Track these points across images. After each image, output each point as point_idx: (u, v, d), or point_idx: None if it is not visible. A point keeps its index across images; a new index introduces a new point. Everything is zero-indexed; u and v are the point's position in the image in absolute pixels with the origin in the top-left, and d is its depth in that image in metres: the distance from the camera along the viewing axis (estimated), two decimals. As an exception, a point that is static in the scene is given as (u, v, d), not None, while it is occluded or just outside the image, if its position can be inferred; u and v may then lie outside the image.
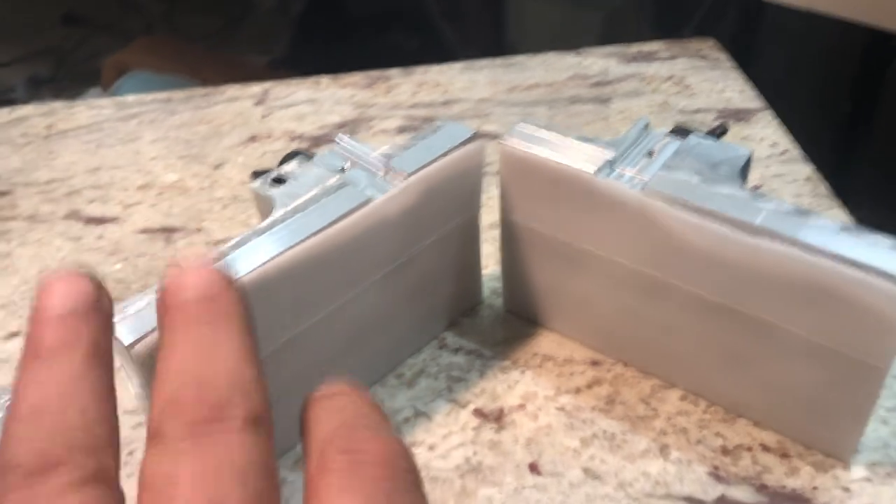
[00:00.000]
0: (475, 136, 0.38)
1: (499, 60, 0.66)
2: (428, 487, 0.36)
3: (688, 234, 0.34)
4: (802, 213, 0.33)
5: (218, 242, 0.50)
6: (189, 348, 0.21)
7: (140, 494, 0.18)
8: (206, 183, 0.55)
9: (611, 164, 0.36)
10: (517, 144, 0.38)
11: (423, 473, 0.37)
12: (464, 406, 0.40)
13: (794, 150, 0.55)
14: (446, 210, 0.39)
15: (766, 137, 0.56)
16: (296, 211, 0.35)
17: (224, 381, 0.20)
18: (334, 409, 0.22)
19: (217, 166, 0.56)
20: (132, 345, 0.29)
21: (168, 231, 0.51)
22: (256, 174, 0.39)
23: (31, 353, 0.21)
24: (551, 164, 0.37)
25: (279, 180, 0.37)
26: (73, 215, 0.53)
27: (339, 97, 0.62)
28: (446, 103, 0.61)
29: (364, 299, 0.37)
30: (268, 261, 0.32)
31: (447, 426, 0.39)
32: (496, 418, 0.39)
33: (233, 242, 0.33)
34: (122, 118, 0.62)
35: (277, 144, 0.58)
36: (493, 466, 0.37)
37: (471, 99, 0.61)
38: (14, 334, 0.45)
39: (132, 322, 0.30)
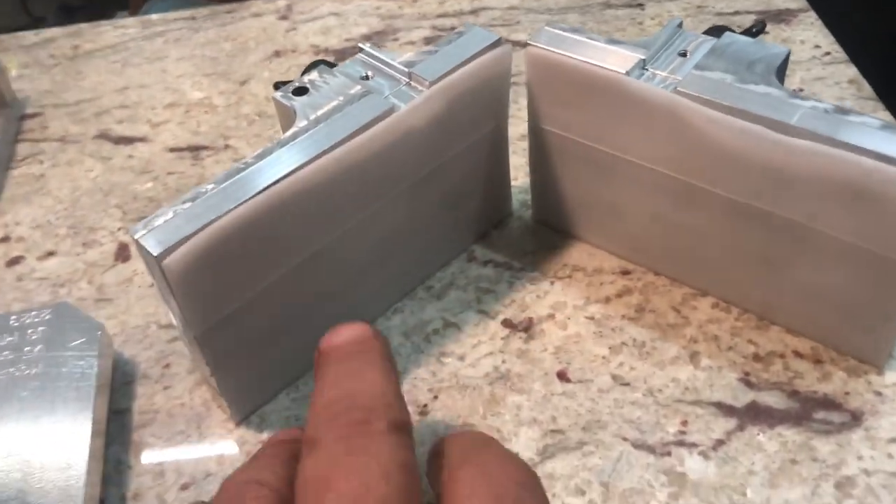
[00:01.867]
0: (500, 42, 0.37)
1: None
2: (457, 395, 0.36)
3: (721, 134, 0.33)
4: (841, 111, 0.31)
5: (243, 159, 0.50)
6: (341, 374, 0.24)
7: (298, 493, 0.21)
8: (232, 100, 0.54)
9: (642, 65, 0.35)
10: (545, 47, 0.36)
11: (453, 382, 0.37)
12: (493, 317, 0.40)
13: (838, 53, 0.53)
14: (473, 118, 0.38)
15: (808, 40, 0.54)
16: (318, 121, 0.34)
17: (370, 394, 0.23)
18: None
19: (243, 82, 0.56)
20: (161, 256, 0.29)
21: (196, 149, 0.51)
22: (278, 85, 0.38)
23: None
24: (580, 66, 0.35)
25: (301, 90, 0.36)
26: (103, 135, 0.53)
27: (365, 8, 0.61)
28: (474, 11, 0.59)
29: (391, 211, 0.37)
30: (291, 172, 0.32)
31: (476, 336, 0.39)
32: (525, 328, 0.39)
33: (256, 153, 0.33)
34: (148, 37, 0.61)
35: (303, 59, 0.57)
36: (522, 374, 0.37)
37: (499, 7, 0.59)
38: (51, 253, 0.46)
39: (160, 233, 0.30)
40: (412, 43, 0.57)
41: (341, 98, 0.35)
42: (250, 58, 0.58)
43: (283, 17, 0.61)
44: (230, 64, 0.58)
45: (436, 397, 0.37)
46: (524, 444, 0.34)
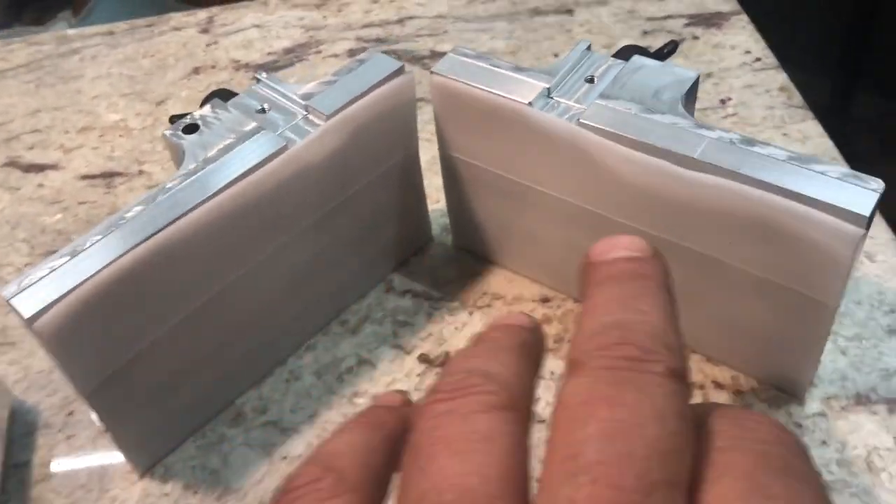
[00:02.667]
0: (402, 70, 0.36)
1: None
2: (369, 439, 0.35)
3: (625, 168, 0.31)
4: (747, 142, 0.30)
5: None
6: (615, 299, 0.20)
7: (556, 414, 0.18)
8: (148, 122, 0.52)
9: (547, 94, 0.34)
10: (448, 76, 0.35)
11: (364, 425, 0.36)
12: (409, 352, 0.38)
13: (769, 58, 0.52)
14: (378, 149, 0.37)
15: (739, 45, 0.53)
16: (208, 161, 0.32)
17: (648, 331, 0.19)
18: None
19: (159, 103, 0.54)
20: (32, 318, 0.28)
21: (109, 175, 0.49)
22: (174, 119, 0.37)
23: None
24: (483, 96, 0.34)
25: (191, 128, 0.34)
26: (12, 163, 0.51)
27: (289, 20, 0.59)
28: (400, 21, 0.57)
29: (297, 247, 0.36)
30: (175, 219, 0.30)
31: (391, 374, 0.38)
32: (442, 363, 0.38)
33: (137, 201, 0.31)
34: (64, 54, 0.59)
35: (223, 75, 0.55)
36: (437, 414, 0.36)
37: (426, 16, 0.57)
38: (-48, 293, 0.44)
39: (33, 293, 0.28)
40: (336, 56, 0.55)
41: (233, 136, 0.34)
42: (169, 75, 0.56)
43: (204, 31, 0.59)
44: (147, 83, 0.55)
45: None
46: (436, 491, 0.33)
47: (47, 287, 0.29)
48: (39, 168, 0.50)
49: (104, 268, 0.29)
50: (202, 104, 0.37)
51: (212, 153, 0.33)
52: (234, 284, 0.34)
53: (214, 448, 0.36)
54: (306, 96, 0.35)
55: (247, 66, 0.56)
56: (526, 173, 0.35)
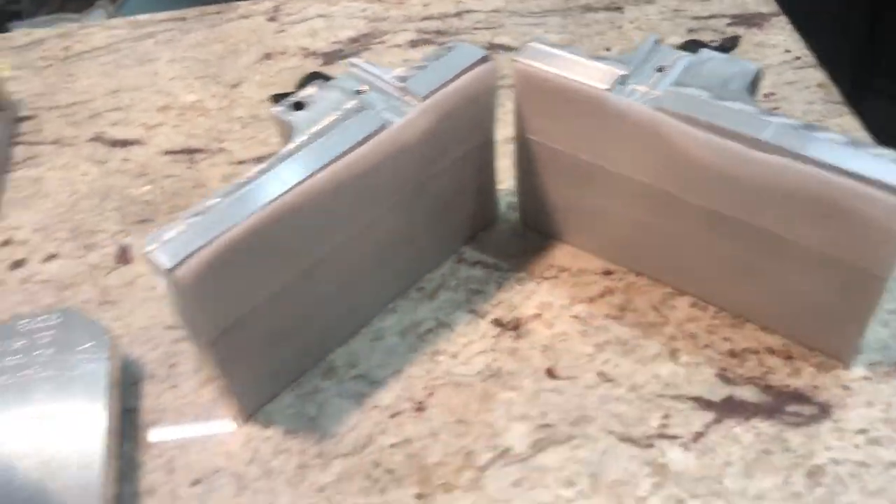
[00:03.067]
0: (487, 58, 0.39)
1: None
2: (452, 392, 0.39)
3: (697, 149, 0.35)
4: (809, 127, 0.34)
5: (240, 163, 0.51)
6: None
7: None
8: (224, 103, 0.56)
9: (623, 81, 0.37)
10: (531, 63, 0.38)
11: (447, 379, 0.39)
12: (483, 316, 0.42)
13: (808, 57, 0.55)
14: (462, 132, 0.40)
15: (780, 44, 0.56)
16: (316, 136, 0.36)
17: None
18: None
19: (234, 86, 0.57)
20: (172, 269, 0.31)
21: (191, 152, 0.52)
22: (277, 97, 0.40)
23: None
24: (564, 82, 0.37)
25: (298, 105, 0.38)
26: (98, 138, 0.54)
27: (352, 10, 0.62)
28: (458, 14, 0.61)
29: (385, 220, 0.39)
30: (292, 187, 0.34)
31: (467, 335, 0.41)
32: (514, 327, 0.41)
33: (258, 169, 0.35)
34: (137, 38, 0.62)
35: (293, 61, 0.58)
36: (513, 371, 0.39)
37: (483, 10, 0.61)
38: (53, 256, 0.47)
39: (170, 247, 0.32)
40: (398, 46, 0.58)
41: (337, 113, 0.37)
42: (241, 60, 0.59)
43: (272, 19, 0.63)
44: (221, 66, 0.59)
45: (431, 394, 0.39)
46: (517, 439, 0.37)
47: (182, 242, 0.32)
48: (123, 143, 0.54)
49: (232, 226, 0.32)
50: (300, 85, 0.40)
51: (319, 128, 0.36)
52: (332, 251, 0.37)
53: (310, 398, 0.39)
54: (400, 79, 0.38)
55: (314, 53, 0.59)
56: (600, 154, 0.39)
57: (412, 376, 0.40)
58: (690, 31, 0.57)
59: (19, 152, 0.54)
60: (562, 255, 0.44)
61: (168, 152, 0.53)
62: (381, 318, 0.42)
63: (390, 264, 0.41)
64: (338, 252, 0.37)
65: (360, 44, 0.59)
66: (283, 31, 0.61)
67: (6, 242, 0.48)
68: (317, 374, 0.40)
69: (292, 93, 0.40)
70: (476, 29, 0.59)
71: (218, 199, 0.33)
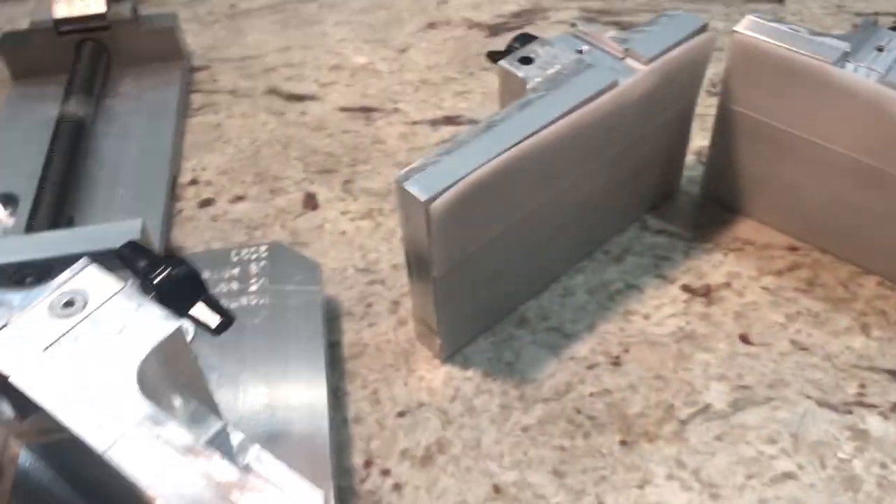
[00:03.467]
0: (706, 27, 0.40)
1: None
2: (647, 350, 0.40)
3: (926, 125, 0.36)
4: None
5: (415, 123, 0.53)
6: None
7: None
8: (394, 66, 0.57)
9: (845, 56, 0.38)
10: (752, 34, 0.39)
11: (641, 338, 0.40)
12: (672, 282, 0.43)
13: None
14: (672, 98, 0.41)
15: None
16: (549, 88, 0.37)
17: None
18: None
19: (402, 51, 0.59)
20: (427, 201, 0.33)
21: (367, 110, 0.54)
22: (493, 55, 0.41)
23: None
24: (787, 55, 0.38)
25: (526, 60, 0.39)
26: (273, 91, 0.56)
27: (512, -13, 0.64)
28: (616, -3, 0.62)
29: (593, 176, 0.40)
30: (532, 134, 0.35)
31: (658, 298, 0.42)
32: (704, 294, 0.42)
33: (497, 115, 0.36)
34: (302, 0, 0.64)
35: (457, 31, 0.60)
36: (706, 335, 0.40)
37: (641, -5, 0.62)
38: (240, 197, 0.49)
39: (422, 181, 0.33)
40: (561, 22, 0.60)
41: (565, 69, 0.38)
42: (405, 28, 0.61)
43: (434, -9, 0.64)
44: (387, 32, 0.60)
45: (626, 350, 0.40)
46: (715, 397, 0.38)
47: (434, 176, 0.33)
48: (299, 98, 0.55)
49: (482, 165, 0.34)
50: (516, 42, 0.41)
51: (550, 81, 0.38)
52: (547, 200, 0.38)
53: (506, 344, 0.40)
54: (621, 41, 0.40)
55: (479, 25, 0.60)
56: (813, 128, 0.39)
57: (605, 332, 0.41)
58: (855, 26, 0.58)
59: (196, 99, 0.56)
60: (745, 228, 0.45)
61: (344, 109, 0.54)
62: (569, 277, 0.43)
63: (586, 222, 0.42)
64: (550, 203, 0.39)
65: (523, 18, 0.61)
66: (445, 2, 0.63)
67: (193, 181, 0.50)
68: (510, 324, 0.41)
69: (508, 50, 0.41)
70: (638, 11, 0.60)
71: (464, 140, 0.35)
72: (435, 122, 0.53)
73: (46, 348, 0.27)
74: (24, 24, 0.56)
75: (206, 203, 0.49)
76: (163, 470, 0.23)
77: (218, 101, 0.56)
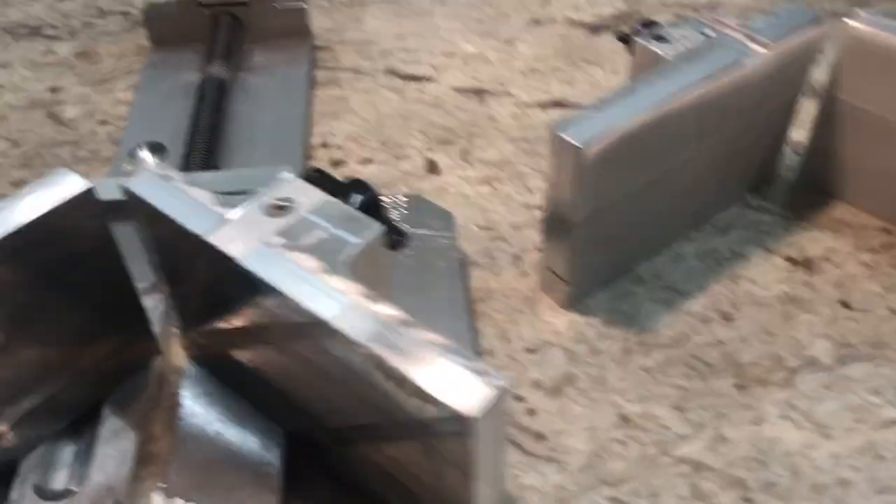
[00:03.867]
0: (819, 20, 0.44)
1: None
2: (755, 309, 0.43)
3: None
4: None
5: (526, 105, 0.57)
6: None
7: None
8: (503, 55, 0.62)
9: (952, 50, 0.42)
10: (865, 26, 0.43)
11: (748, 299, 0.43)
12: (775, 253, 0.46)
13: None
14: (786, 82, 0.45)
15: None
16: (683, 61, 0.41)
17: None
18: None
19: (509, 42, 0.63)
20: (581, 147, 0.36)
21: (479, 93, 0.58)
22: (623, 37, 0.45)
23: None
24: (899, 46, 0.42)
25: (660, 38, 0.43)
26: (391, 71, 0.60)
27: (609, -7, 0.68)
28: (711, 5, 0.66)
29: (711, 150, 0.44)
30: (671, 96, 0.39)
31: (763, 266, 0.45)
32: (805, 265, 0.45)
33: (638, 82, 0.40)
34: (412, -6, 0.69)
35: (561, 28, 0.64)
36: (809, 300, 0.44)
37: (735, 4, 0.66)
38: (368, 160, 0.53)
39: (576, 132, 0.37)
40: (658, 26, 0.64)
41: (696, 48, 0.42)
42: (511, 23, 0.65)
43: (536, -8, 0.69)
44: (494, 26, 0.65)
45: (736, 308, 0.43)
46: (821, 352, 0.41)
47: (586, 128, 0.37)
48: (416, 78, 0.60)
49: (629, 119, 0.38)
50: (643, 27, 0.46)
51: (683, 56, 0.42)
52: (676, 165, 0.42)
53: (623, 299, 0.44)
54: (744, 27, 0.43)
55: (580, 23, 0.65)
56: (918, 114, 0.43)
57: (716, 292, 0.44)
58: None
59: (320, 75, 0.60)
60: (841, 211, 0.48)
61: (458, 90, 0.58)
62: (679, 244, 0.47)
63: (699, 194, 0.46)
64: (675, 170, 0.42)
65: (621, 19, 0.65)
66: (548, 3, 0.67)
67: (324, 145, 0.54)
68: (626, 281, 0.45)
69: (635, 33, 0.45)
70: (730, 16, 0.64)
71: (610, 99, 0.39)
72: (544, 105, 0.57)
73: (264, 241, 0.31)
74: (166, -3, 0.60)
75: (338, 163, 0.53)
76: (385, 335, 0.27)
77: (341, 78, 0.60)
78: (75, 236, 0.33)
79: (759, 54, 0.42)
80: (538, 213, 0.48)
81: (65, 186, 0.33)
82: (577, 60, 0.61)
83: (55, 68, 0.62)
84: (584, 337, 0.42)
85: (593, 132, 0.37)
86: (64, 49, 0.64)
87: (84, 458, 0.37)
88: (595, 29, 0.64)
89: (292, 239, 0.31)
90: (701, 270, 0.45)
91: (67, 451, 0.37)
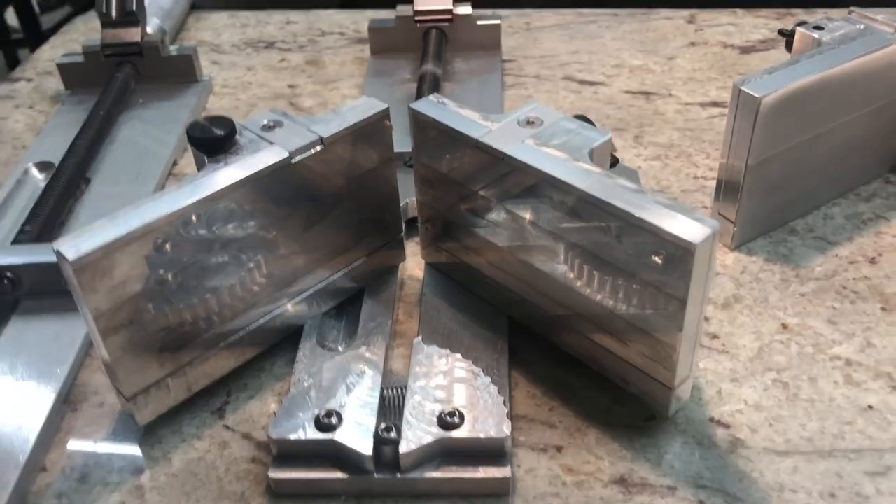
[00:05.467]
0: (956, 19, 0.53)
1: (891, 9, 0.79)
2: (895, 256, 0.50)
3: None
4: None
5: (687, 104, 0.66)
6: None
7: None
8: (665, 67, 0.72)
9: None
10: None
11: (890, 249, 0.51)
12: (914, 216, 0.54)
13: None
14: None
15: None
16: (841, 43, 0.50)
17: None
18: None
19: (670, 58, 0.73)
20: (760, 98, 0.46)
21: (646, 94, 0.68)
22: (783, 32, 0.55)
23: None
24: None
25: (817, 27, 0.52)
26: (569, 78, 0.71)
27: (755, 24, 0.78)
28: (850, 35, 0.75)
29: (858, 122, 0.52)
30: (831, 66, 0.48)
31: (902, 226, 0.53)
32: (943, 225, 0.53)
33: (803, 56, 0.49)
34: (583, 23, 0.80)
35: (714, 49, 0.74)
36: (947, 251, 0.51)
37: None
38: (554, 141, 0.63)
39: (758, 86, 0.46)
40: (802, 48, 0.73)
41: (849, 34, 0.51)
42: (671, 44, 0.76)
43: (690, 22, 0.79)
44: (655, 46, 0.75)
45: (880, 254, 0.51)
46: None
47: (762, 84, 0.46)
48: (591, 83, 0.70)
49: (802, 78, 0.47)
50: (794, 27, 0.55)
51: (837, 41, 0.51)
52: (831, 129, 0.51)
53: (781, 244, 0.52)
54: (891, 21, 0.52)
55: (732, 46, 0.74)
56: None
57: (862, 243, 0.52)
58: None
59: (509, 80, 0.72)
60: (975, 188, 0.56)
61: (627, 92, 0.69)
62: (827, 208, 0.55)
63: (849, 159, 0.54)
64: (830, 132, 0.51)
65: (767, 44, 0.74)
66: (701, 29, 0.78)
67: (516, 129, 0.65)
68: (783, 232, 0.53)
69: (796, 26, 0.54)
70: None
71: (776, 68, 0.48)
72: (704, 104, 0.66)
73: (524, 140, 0.41)
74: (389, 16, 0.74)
75: (527, 143, 0.63)
76: (628, 197, 0.37)
77: (525, 83, 0.71)
78: (369, 153, 0.45)
79: (904, 42, 0.51)
80: (705, 182, 0.57)
81: (367, 108, 0.44)
82: (730, 72, 0.70)
83: (290, 72, 0.76)
84: (747, 269, 0.50)
85: (769, 88, 0.46)
86: (296, 58, 0.78)
87: (350, 329, 0.47)
88: (745, 50, 0.74)
89: (544, 140, 0.41)
90: (848, 227, 0.53)
91: (337, 324, 0.48)
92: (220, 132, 0.42)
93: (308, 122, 0.43)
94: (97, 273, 0.36)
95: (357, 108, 0.44)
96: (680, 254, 0.35)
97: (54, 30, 0.99)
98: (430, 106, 0.44)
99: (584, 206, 0.39)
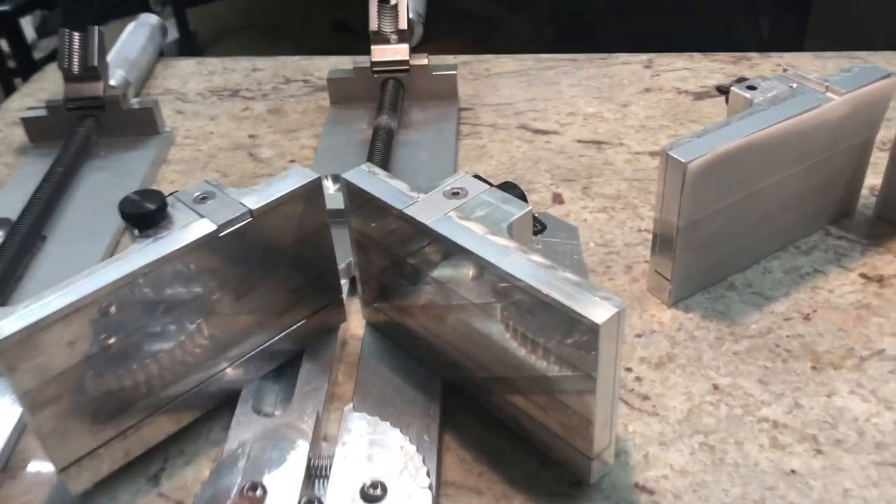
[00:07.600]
0: (890, 74, 0.53)
1: (844, 53, 0.80)
2: (831, 312, 0.51)
3: None
4: None
5: (637, 153, 0.67)
6: None
7: None
8: (618, 115, 0.73)
9: None
10: (926, 81, 0.52)
11: (826, 304, 0.52)
12: (851, 270, 0.54)
13: None
14: (858, 126, 0.54)
15: None
16: (771, 104, 0.51)
17: None
18: None
19: (624, 105, 0.74)
20: (686, 162, 0.46)
21: (597, 143, 0.69)
22: (720, 88, 0.56)
23: None
24: (954, 96, 0.51)
25: (751, 87, 0.53)
26: (523, 127, 0.72)
27: (711, 68, 0.79)
28: (803, 80, 0.76)
29: (792, 180, 0.53)
30: (761, 129, 0.49)
31: (839, 279, 0.54)
32: (878, 280, 0.53)
33: (732, 118, 0.50)
34: (541, 69, 0.81)
35: (668, 95, 0.75)
36: (880, 307, 0.51)
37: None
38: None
39: (682, 151, 0.47)
40: (755, 94, 0.74)
41: (781, 95, 0.52)
42: (626, 91, 0.77)
43: (647, 66, 0.80)
44: (611, 93, 0.76)
45: (815, 311, 0.51)
46: (889, 346, 0.49)
47: (691, 149, 0.47)
48: (544, 132, 0.71)
49: (727, 141, 0.48)
50: (731, 83, 0.56)
51: (771, 101, 0.51)
52: (763, 189, 0.51)
53: (718, 300, 0.53)
54: (822, 80, 0.53)
55: (686, 92, 0.75)
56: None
57: (798, 298, 0.52)
58: None
59: (464, 129, 0.73)
60: (913, 241, 0.56)
61: (579, 141, 0.70)
62: (767, 261, 0.55)
63: (785, 217, 0.55)
64: (764, 191, 0.52)
65: (722, 90, 0.75)
66: (657, 75, 0.79)
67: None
68: (721, 287, 0.54)
69: (730, 86, 0.55)
70: (819, 90, 0.74)
71: (707, 130, 0.49)
72: (653, 154, 0.67)
73: (447, 213, 0.42)
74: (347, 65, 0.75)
75: (478, 195, 0.64)
76: (538, 273, 0.37)
77: (481, 131, 0.72)
78: (302, 220, 0.45)
79: (834, 100, 0.52)
80: (648, 235, 0.58)
81: (297, 178, 0.45)
82: (682, 120, 0.71)
83: (252, 121, 0.77)
84: (683, 327, 0.51)
85: (696, 152, 0.47)
86: (259, 107, 0.79)
87: (287, 392, 0.48)
88: (699, 96, 0.75)
89: (466, 213, 0.42)
90: (786, 282, 0.54)
91: (275, 386, 0.49)
92: (150, 206, 0.43)
93: (239, 194, 0.44)
94: (21, 354, 0.37)
95: (288, 177, 0.45)
96: (588, 332, 0.36)
97: (49, 58, 1.00)
98: (361, 175, 0.45)
99: (501, 279, 0.39)
